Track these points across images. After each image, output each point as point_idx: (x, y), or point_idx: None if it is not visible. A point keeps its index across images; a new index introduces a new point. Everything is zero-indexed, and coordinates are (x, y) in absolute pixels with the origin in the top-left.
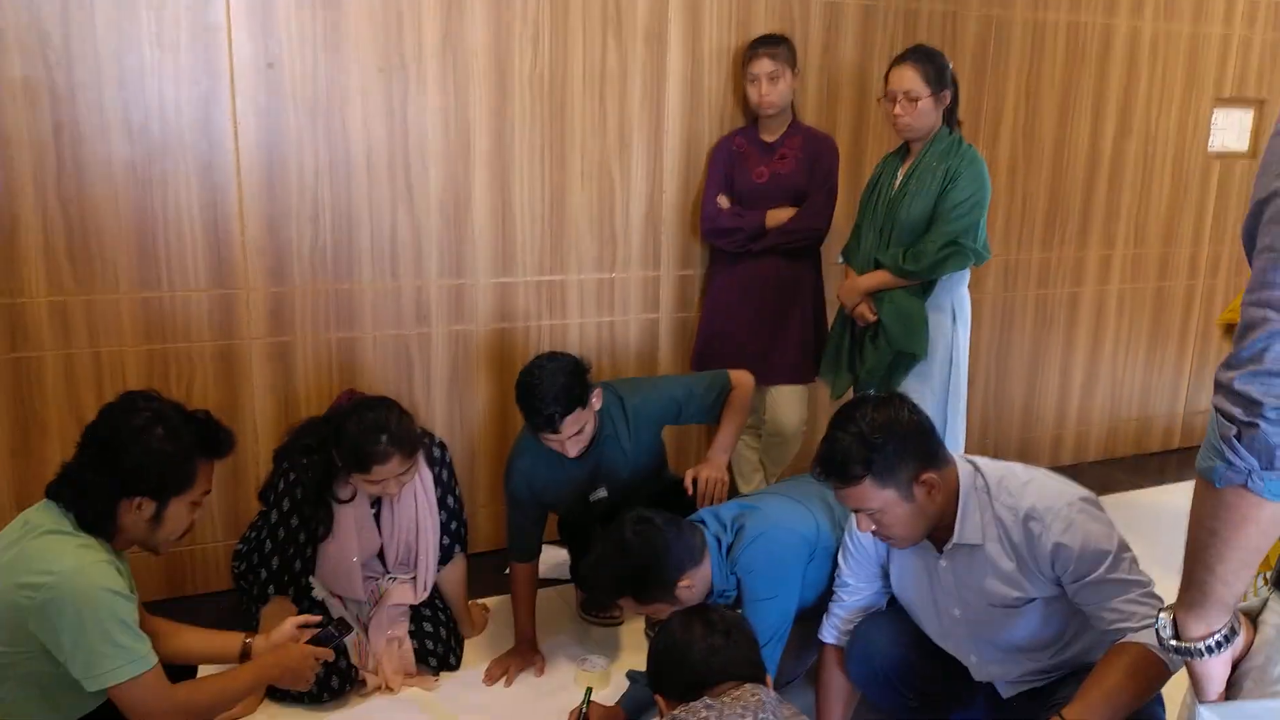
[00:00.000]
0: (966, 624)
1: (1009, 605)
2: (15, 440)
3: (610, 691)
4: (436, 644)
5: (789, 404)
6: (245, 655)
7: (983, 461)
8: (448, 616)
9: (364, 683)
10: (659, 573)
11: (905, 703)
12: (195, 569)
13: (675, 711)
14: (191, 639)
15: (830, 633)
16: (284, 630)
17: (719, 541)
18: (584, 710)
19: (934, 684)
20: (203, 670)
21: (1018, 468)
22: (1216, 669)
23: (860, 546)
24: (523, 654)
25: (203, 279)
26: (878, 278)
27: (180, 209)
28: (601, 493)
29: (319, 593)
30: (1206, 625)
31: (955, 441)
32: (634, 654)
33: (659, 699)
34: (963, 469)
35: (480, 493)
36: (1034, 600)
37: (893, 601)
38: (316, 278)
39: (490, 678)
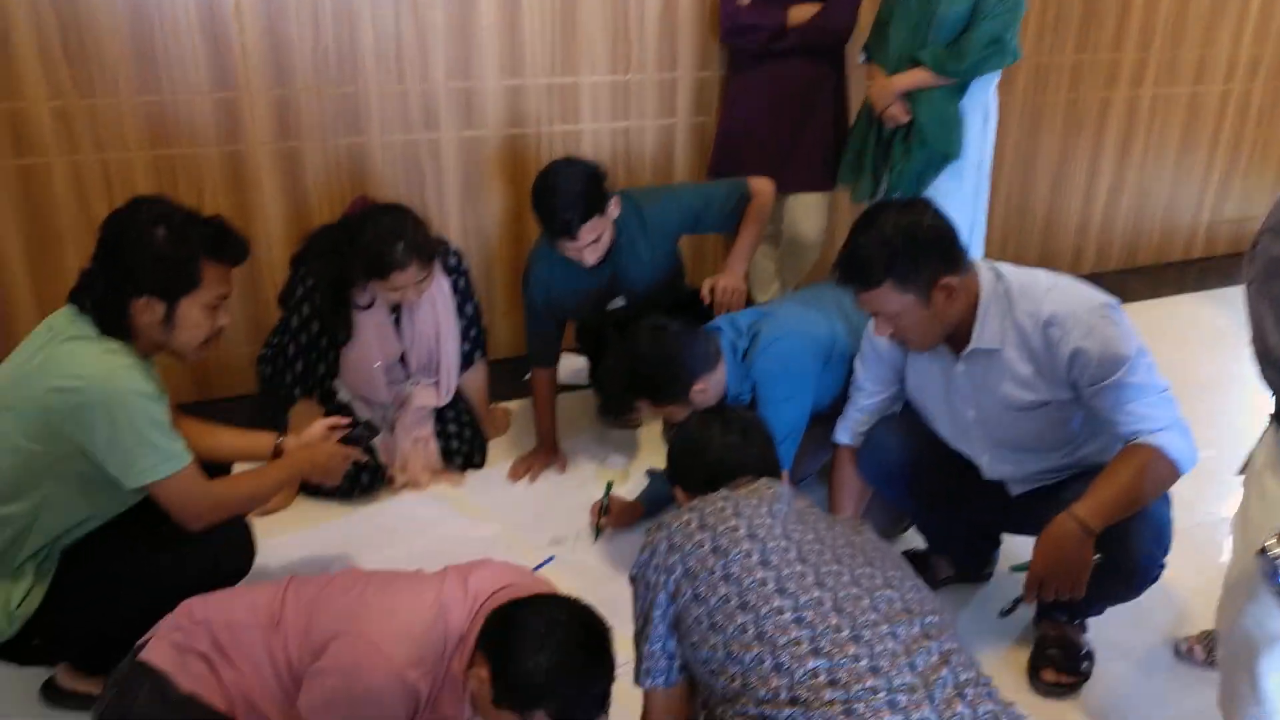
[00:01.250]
0: (980, 426)
1: (1024, 408)
2: (31, 248)
3: (629, 488)
4: (461, 444)
5: (808, 212)
6: (277, 454)
7: (1004, 267)
8: (471, 418)
9: (393, 480)
10: (673, 377)
11: (916, 501)
12: (221, 373)
13: (693, 502)
14: (225, 438)
15: (845, 434)
16: (314, 430)
17: (734, 347)
18: (605, 504)
19: (944, 482)
20: (236, 469)
21: (1040, 274)
22: None
23: (876, 351)
24: (545, 453)
25: (204, 81)
26: (915, 76)
27: (175, 4)
28: (619, 302)
29: (344, 395)
30: None
31: (976, 246)
32: (652, 454)
33: (678, 491)
34: (984, 275)
35: (498, 301)
36: (1049, 404)
37: (906, 406)
38: (320, 80)
39: (514, 475)
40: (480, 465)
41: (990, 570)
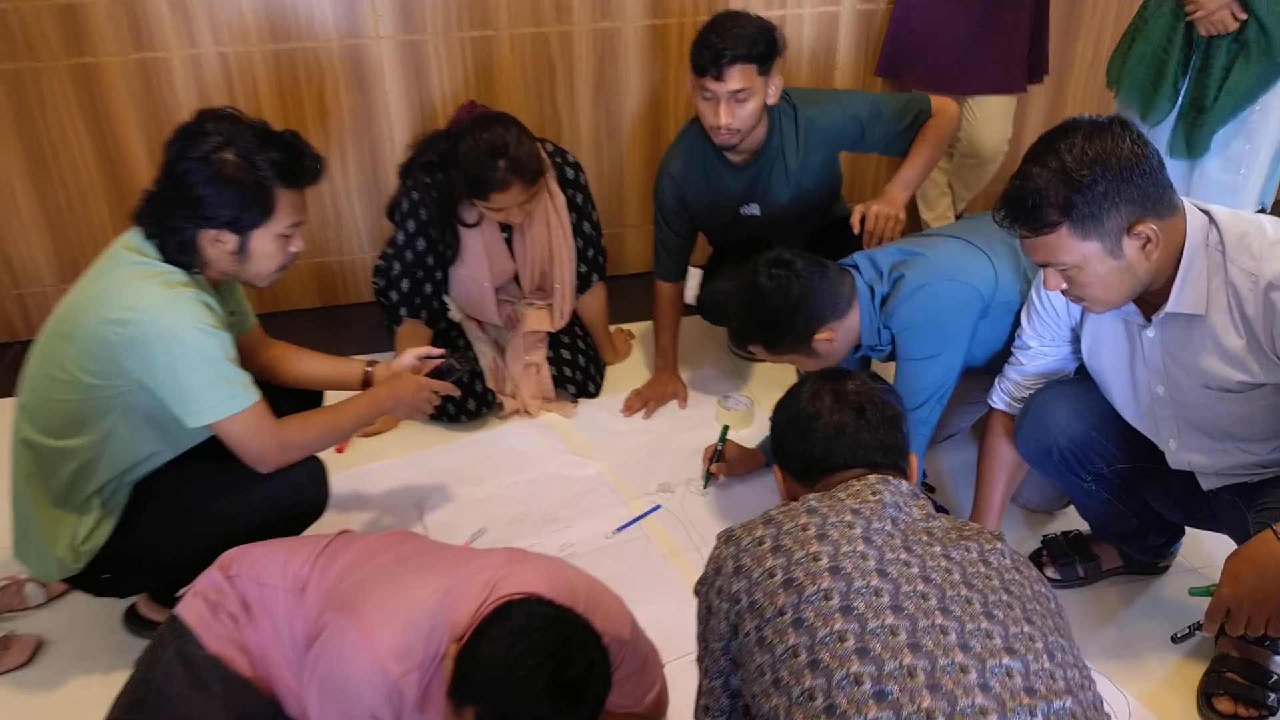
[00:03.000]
0: (1171, 405)
1: (1228, 390)
2: (153, 147)
3: (752, 432)
4: (575, 371)
5: (993, 118)
6: (366, 383)
7: (1220, 211)
8: (588, 344)
9: (501, 406)
10: (793, 323)
11: (1081, 485)
12: (345, 279)
13: (773, 512)
14: (313, 365)
15: (1001, 398)
16: (403, 360)
17: (872, 291)
18: (719, 449)
19: (1117, 467)
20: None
21: (1267, 222)
22: None
23: (1048, 305)
24: (663, 382)
25: None
26: None
27: None
28: (753, 209)
29: (455, 314)
30: None
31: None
32: (781, 393)
33: (776, 470)
34: (1192, 220)
35: (630, 211)
36: (1262, 386)
37: (1080, 370)
38: None
39: (628, 409)
40: (595, 394)
41: (1166, 564)
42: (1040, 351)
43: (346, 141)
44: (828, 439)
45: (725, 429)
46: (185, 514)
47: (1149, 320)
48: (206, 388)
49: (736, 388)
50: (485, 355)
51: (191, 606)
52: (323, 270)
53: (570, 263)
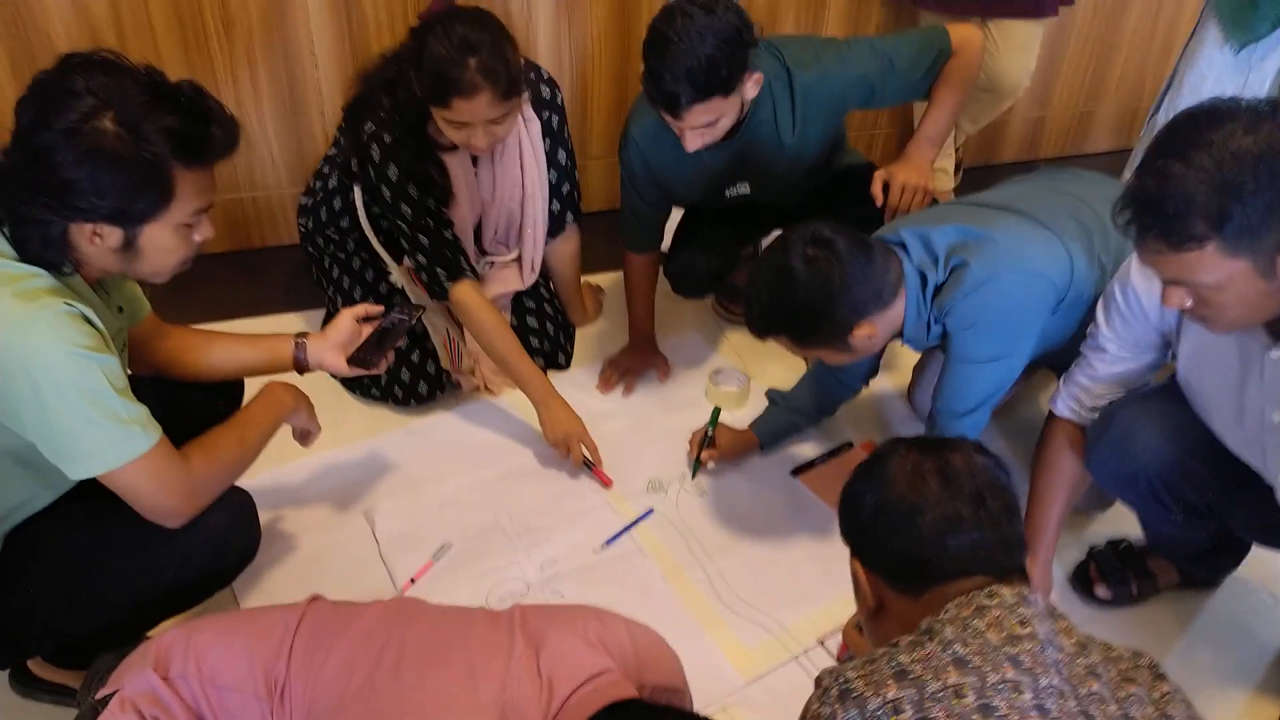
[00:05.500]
0: None
1: None
2: (18, 75)
3: (746, 412)
4: (543, 341)
5: (1017, 48)
6: (300, 359)
7: None
8: (555, 307)
9: (458, 386)
10: (830, 316)
11: (1166, 515)
12: (260, 219)
13: (903, 659)
14: (228, 351)
15: (1067, 405)
16: (340, 326)
17: (923, 278)
18: (709, 434)
19: (1209, 496)
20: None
21: None
22: None
23: (1135, 305)
24: (640, 354)
25: None
26: None
27: None
28: (742, 189)
29: (396, 276)
30: None
31: None
32: (779, 364)
33: (855, 565)
34: None
35: (593, 140)
36: None
37: (1169, 382)
38: None
39: (605, 385)
40: (566, 366)
41: (1221, 578)
42: (1118, 356)
43: (257, 55)
44: (939, 537)
45: (716, 411)
46: (76, 575)
47: (1277, 340)
48: (90, 430)
49: (725, 358)
50: (436, 329)
51: None
52: (233, 209)
53: (543, 202)
